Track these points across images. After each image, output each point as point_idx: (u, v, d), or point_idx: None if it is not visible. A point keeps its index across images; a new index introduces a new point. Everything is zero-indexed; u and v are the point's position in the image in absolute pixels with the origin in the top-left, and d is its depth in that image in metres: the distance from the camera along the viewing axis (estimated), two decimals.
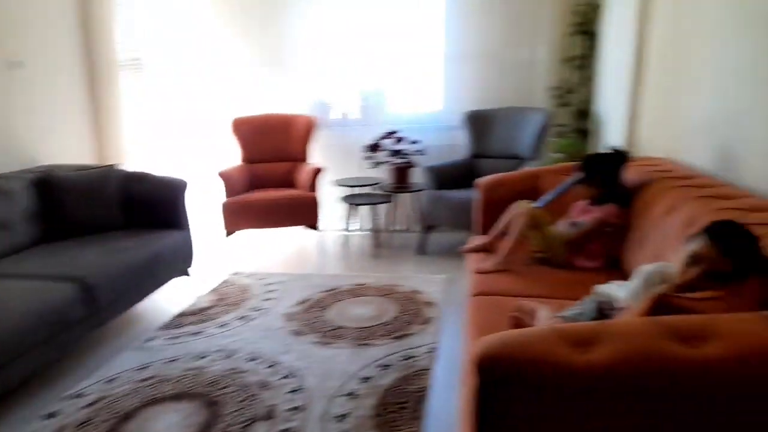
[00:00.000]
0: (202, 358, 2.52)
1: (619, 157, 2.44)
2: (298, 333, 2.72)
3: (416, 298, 3.08)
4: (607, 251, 2.37)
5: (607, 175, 2.41)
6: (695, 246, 1.34)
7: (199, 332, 2.79)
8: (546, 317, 1.67)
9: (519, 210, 2.43)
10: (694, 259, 1.33)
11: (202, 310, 3.07)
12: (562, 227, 2.48)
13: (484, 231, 2.89)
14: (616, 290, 1.61)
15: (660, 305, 1.14)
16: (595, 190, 2.42)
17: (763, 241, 1.33)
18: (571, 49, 4.31)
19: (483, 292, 2.11)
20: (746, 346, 0.96)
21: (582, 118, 4.36)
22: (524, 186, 2.90)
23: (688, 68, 2.54)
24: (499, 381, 1.07)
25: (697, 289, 1.29)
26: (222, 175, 4.03)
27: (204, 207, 4.49)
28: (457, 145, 4.55)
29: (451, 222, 3.73)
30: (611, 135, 3.68)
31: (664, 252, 1.88)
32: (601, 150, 2.53)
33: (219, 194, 4.09)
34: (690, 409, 0.97)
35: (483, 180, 3.02)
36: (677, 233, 1.84)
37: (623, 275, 2.18)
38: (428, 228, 3.96)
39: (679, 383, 0.96)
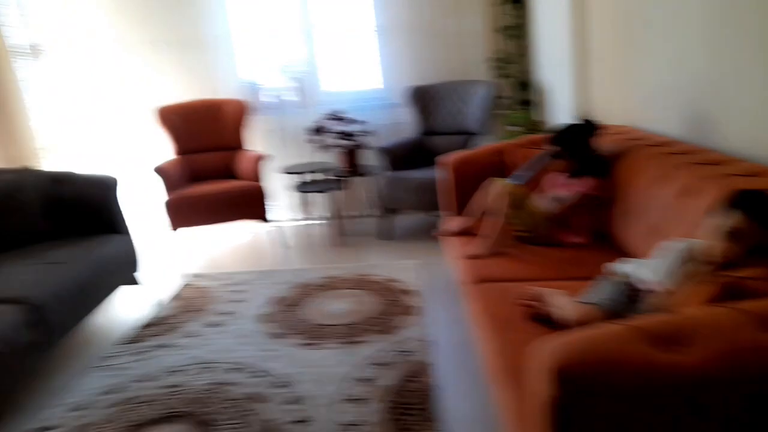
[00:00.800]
0: (177, 372, 2.30)
1: (589, 128, 2.45)
2: (278, 336, 2.55)
3: (393, 288, 2.99)
4: (593, 225, 2.39)
5: (580, 146, 2.42)
6: (731, 220, 1.33)
7: (166, 344, 2.55)
8: (568, 303, 1.64)
9: (499, 188, 2.38)
10: (733, 235, 1.32)
11: (163, 319, 2.81)
12: (543, 203, 2.47)
13: (457, 212, 2.84)
14: (640, 270, 1.60)
15: (728, 289, 1.13)
16: (570, 163, 2.42)
17: None
18: (502, 18, 4.30)
19: (484, 279, 2.05)
20: None
21: (524, 88, 4.40)
22: (491, 162, 2.87)
23: (642, 32, 2.56)
24: (583, 391, 1.00)
25: (740, 266, 1.29)
26: (159, 170, 3.68)
27: (139, 206, 4.12)
28: (402, 123, 4.45)
29: (413, 204, 3.66)
30: (559, 105, 3.73)
31: (662, 224, 1.90)
32: (570, 122, 2.53)
33: (156, 191, 3.74)
34: None
35: (451, 158, 2.95)
36: (673, 204, 1.87)
37: (615, 250, 2.21)
38: (389, 212, 3.86)
39: None
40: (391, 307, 2.75)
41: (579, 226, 2.38)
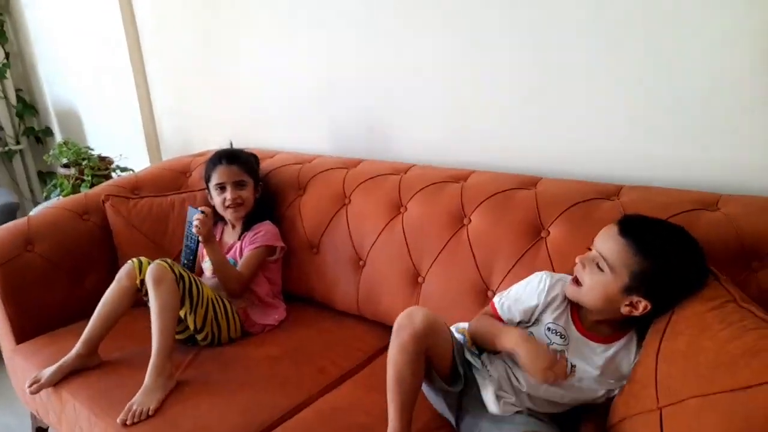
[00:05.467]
0: None
1: (254, 156, 1.70)
2: None
3: None
4: (277, 290, 1.64)
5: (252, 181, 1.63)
6: (634, 262, 0.90)
7: None
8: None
9: (156, 273, 1.31)
10: (640, 280, 0.90)
11: None
12: (209, 279, 1.55)
13: (28, 332, 1.54)
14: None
15: None
16: (238, 209, 1.60)
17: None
18: None
19: None
20: None
21: (26, 113, 3.06)
22: (77, 232, 1.69)
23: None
24: None
25: None
26: None
27: None
28: None
29: None
30: (102, 137, 2.72)
31: (424, 263, 1.39)
32: (226, 148, 1.67)
33: None
34: None
35: None
36: (430, 238, 1.38)
37: (334, 312, 1.58)
38: None
39: None
40: None
41: (264, 297, 1.58)
